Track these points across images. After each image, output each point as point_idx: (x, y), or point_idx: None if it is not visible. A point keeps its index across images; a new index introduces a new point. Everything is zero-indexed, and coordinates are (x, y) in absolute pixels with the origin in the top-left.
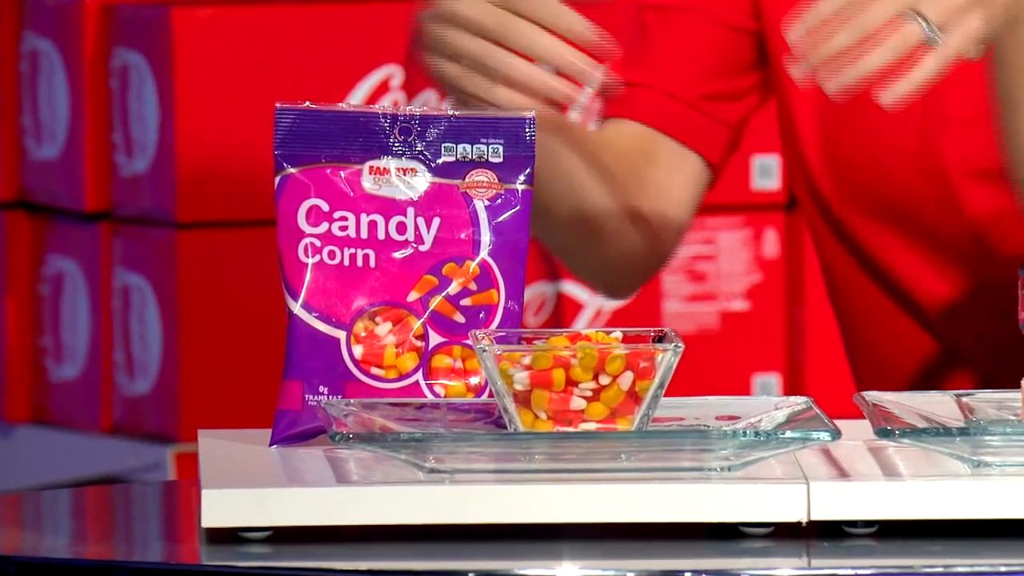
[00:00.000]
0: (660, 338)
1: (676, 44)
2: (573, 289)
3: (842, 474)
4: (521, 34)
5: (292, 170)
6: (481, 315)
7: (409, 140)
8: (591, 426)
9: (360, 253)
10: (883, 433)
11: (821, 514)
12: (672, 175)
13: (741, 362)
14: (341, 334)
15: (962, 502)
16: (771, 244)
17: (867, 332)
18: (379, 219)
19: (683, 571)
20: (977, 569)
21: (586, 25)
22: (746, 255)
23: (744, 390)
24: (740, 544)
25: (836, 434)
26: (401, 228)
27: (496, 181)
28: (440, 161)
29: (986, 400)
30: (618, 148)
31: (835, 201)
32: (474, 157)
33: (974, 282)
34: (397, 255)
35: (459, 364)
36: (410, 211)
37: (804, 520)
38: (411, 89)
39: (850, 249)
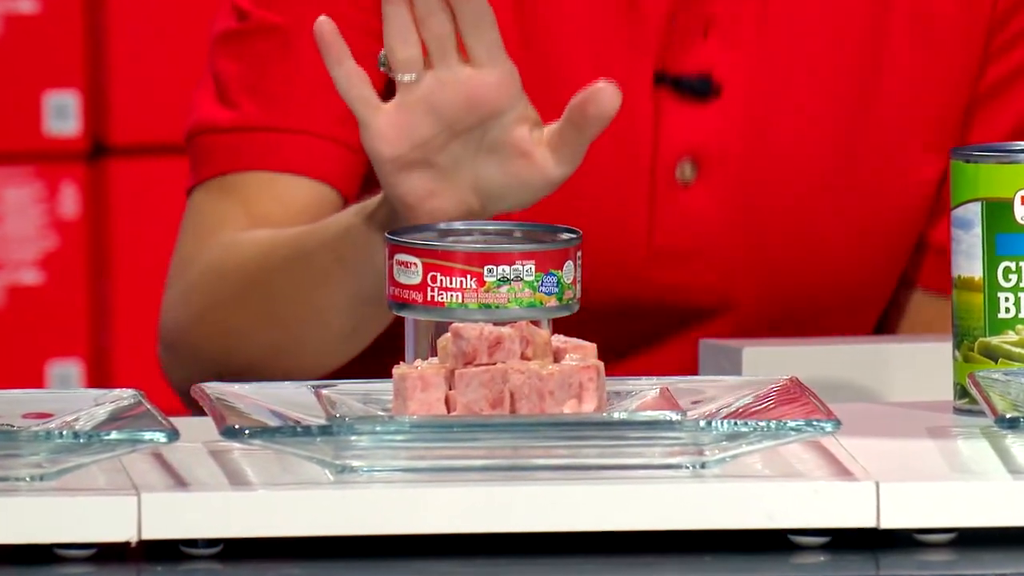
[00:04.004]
0: None
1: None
2: None
3: (180, 483)
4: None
5: None
6: None
7: None
8: None
9: None
10: (230, 433)
11: (156, 533)
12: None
13: (32, 347)
14: None
15: (326, 512)
16: (69, 202)
17: None
18: None
19: None
20: None
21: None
22: (38, 215)
23: (37, 382)
24: None
25: (174, 435)
26: None
27: None
28: None
29: (349, 392)
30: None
31: None
32: None
33: None
34: None
35: None
36: None
37: (134, 540)
38: None
39: None
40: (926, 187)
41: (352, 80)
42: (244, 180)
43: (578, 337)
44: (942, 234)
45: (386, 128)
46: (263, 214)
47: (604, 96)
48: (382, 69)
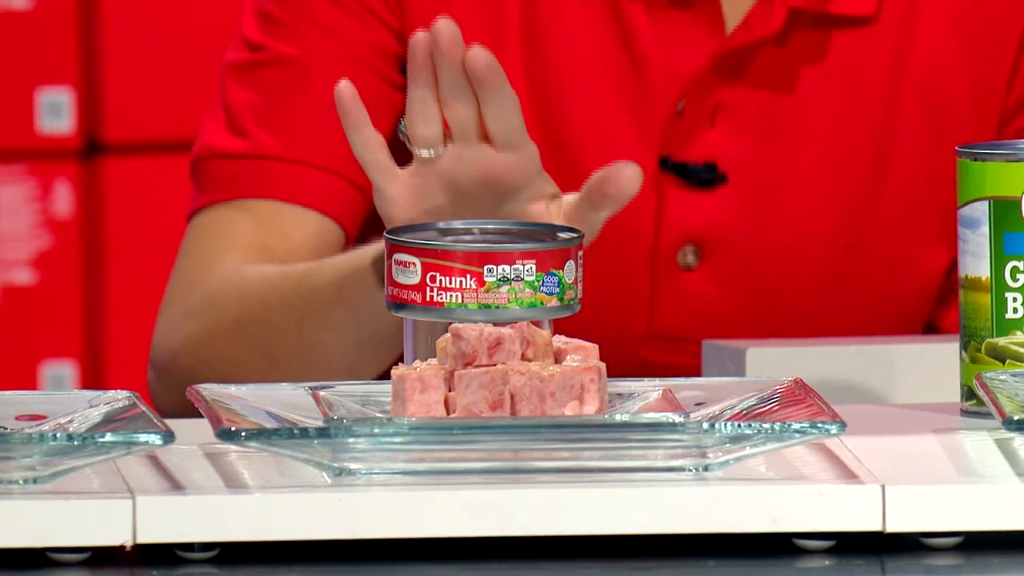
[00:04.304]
0: None
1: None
2: None
3: (175, 486)
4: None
5: None
6: None
7: None
8: None
9: None
10: (226, 435)
11: (151, 537)
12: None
13: (25, 348)
14: None
15: (323, 516)
16: (63, 200)
17: None
18: None
19: None
20: None
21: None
22: (31, 214)
23: (30, 383)
24: None
25: (169, 437)
26: None
27: None
28: None
29: (347, 394)
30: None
31: None
32: None
33: None
34: None
35: None
36: None
37: (129, 544)
38: None
39: None
40: (933, 278)
41: (369, 146)
42: (249, 207)
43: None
44: (951, 323)
45: (401, 195)
46: (266, 244)
47: (625, 177)
48: (401, 138)
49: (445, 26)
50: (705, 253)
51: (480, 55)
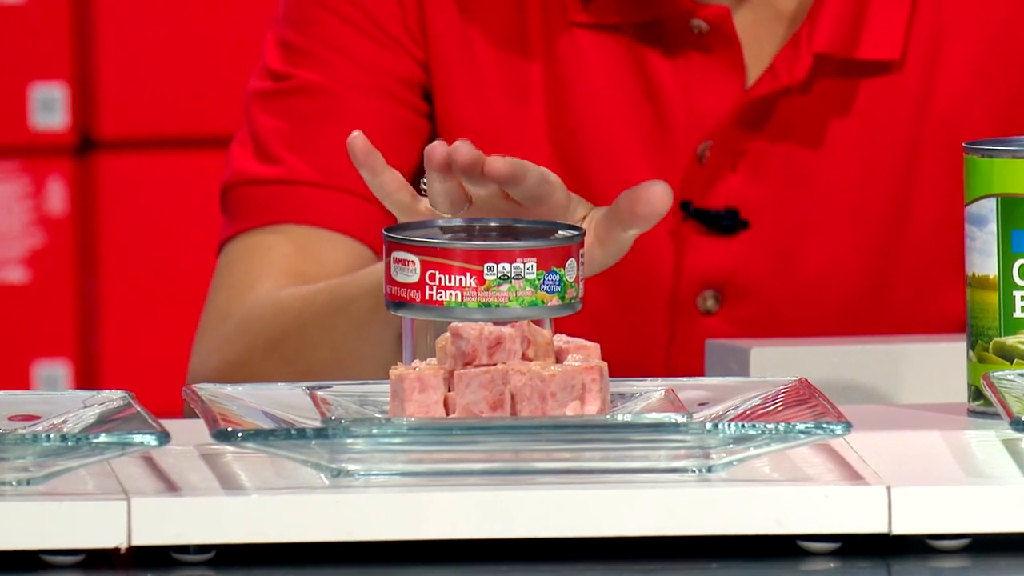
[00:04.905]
0: None
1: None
2: None
3: (171, 488)
4: None
5: None
6: None
7: None
8: None
9: None
10: (222, 436)
11: (146, 538)
12: None
13: (19, 347)
14: None
15: (321, 517)
16: (56, 197)
17: None
18: None
19: None
20: None
21: None
22: (24, 211)
23: (23, 383)
24: None
25: (164, 438)
26: None
27: None
28: None
29: (345, 394)
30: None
31: None
32: None
33: None
34: None
35: None
36: None
37: (124, 546)
38: None
39: None
40: (955, 319)
41: (388, 190)
42: (284, 232)
43: None
44: None
45: None
46: (300, 269)
47: (655, 196)
48: (422, 194)
49: (463, 147)
50: (725, 298)
51: (499, 165)
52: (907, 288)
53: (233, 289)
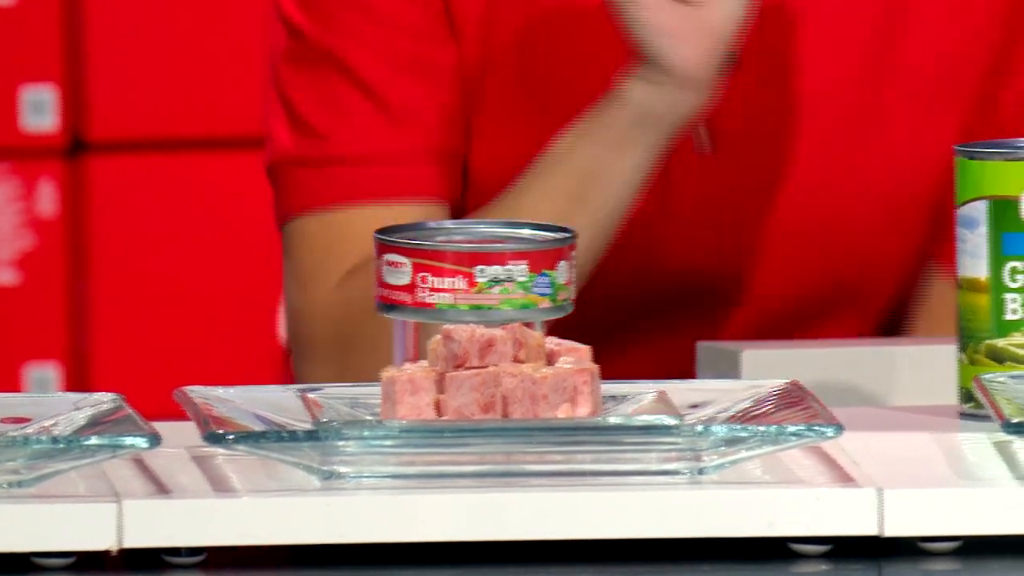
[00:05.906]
0: None
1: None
2: None
3: (161, 490)
4: None
5: None
6: None
7: None
8: None
9: None
10: (213, 438)
11: (137, 541)
12: None
13: (9, 350)
14: None
15: (312, 520)
16: (47, 199)
17: None
18: None
19: None
20: None
21: None
22: (14, 213)
23: (14, 385)
24: None
25: (155, 440)
26: None
27: None
28: None
29: (336, 396)
30: None
31: None
32: None
33: None
34: None
35: None
36: None
37: (114, 548)
38: None
39: None
40: (945, 160)
41: None
42: (352, 214)
43: (588, 303)
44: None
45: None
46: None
47: None
48: None
49: None
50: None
51: None
52: (901, 113)
53: (313, 279)
